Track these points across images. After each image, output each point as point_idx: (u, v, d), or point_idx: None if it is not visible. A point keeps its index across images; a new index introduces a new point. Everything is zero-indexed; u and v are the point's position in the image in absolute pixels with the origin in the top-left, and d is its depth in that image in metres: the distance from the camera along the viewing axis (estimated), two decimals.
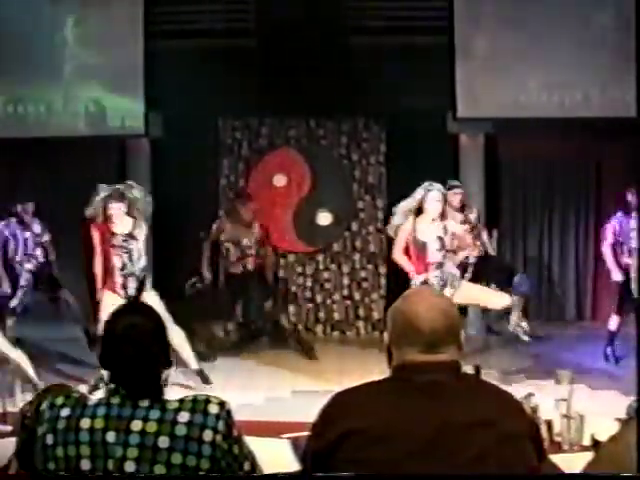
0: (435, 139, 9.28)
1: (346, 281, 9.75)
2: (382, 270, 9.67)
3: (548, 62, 8.81)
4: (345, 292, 9.74)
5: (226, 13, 9.30)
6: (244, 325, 8.90)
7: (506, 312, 7.19)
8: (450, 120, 9.28)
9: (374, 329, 9.57)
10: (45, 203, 9.86)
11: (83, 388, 5.97)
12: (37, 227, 8.43)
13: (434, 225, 6.71)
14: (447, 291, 6.54)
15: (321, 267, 9.73)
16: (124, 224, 6.97)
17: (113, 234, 6.92)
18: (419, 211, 6.71)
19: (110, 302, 6.58)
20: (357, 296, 9.74)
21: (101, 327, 2.57)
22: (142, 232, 7.01)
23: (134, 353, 2.37)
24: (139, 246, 6.98)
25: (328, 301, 9.73)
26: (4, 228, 8.31)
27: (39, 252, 8.37)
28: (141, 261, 6.99)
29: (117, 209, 6.90)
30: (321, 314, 9.71)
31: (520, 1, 8.96)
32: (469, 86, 9.03)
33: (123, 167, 9.88)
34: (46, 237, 8.46)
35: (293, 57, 8.82)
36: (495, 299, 6.66)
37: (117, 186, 7.07)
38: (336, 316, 9.73)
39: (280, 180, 9.65)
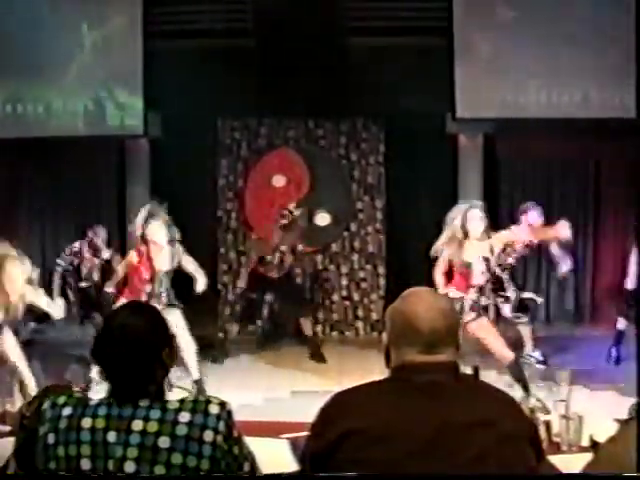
0: (434, 139, 9.30)
1: (345, 281, 9.75)
2: (381, 270, 9.67)
3: (547, 63, 8.81)
4: (344, 292, 9.75)
5: (225, 13, 9.29)
6: (268, 325, 9.00)
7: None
8: (449, 120, 9.29)
9: (373, 329, 9.58)
10: (44, 203, 9.90)
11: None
12: (106, 254, 8.47)
13: (479, 245, 6.51)
14: (470, 316, 6.49)
15: (320, 267, 9.73)
16: (163, 257, 6.93)
17: (153, 269, 6.89)
18: (465, 233, 6.50)
19: None
20: (356, 296, 9.74)
21: None
22: (172, 262, 6.98)
23: (124, 352, 2.36)
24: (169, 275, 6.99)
25: (327, 301, 9.74)
26: (74, 256, 8.37)
27: (97, 275, 8.42)
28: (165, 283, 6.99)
29: (158, 230, 6.88)
30: (320, 314, 9.71)
31: (519, 2, 8.96)
32: (468, 86, 9.03)
33: (122, 167, 9.90)
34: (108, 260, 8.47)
35: (292, 57, 8.81)
36: (502, 353, 6.56)
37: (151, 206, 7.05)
38: (335, 316, 9.74)
39: (279, 180, 9.65)
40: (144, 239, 6.92)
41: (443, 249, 6.63)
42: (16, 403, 5.96)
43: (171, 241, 6.94)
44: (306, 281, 9.51)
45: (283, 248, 8.41)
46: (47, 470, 2.32)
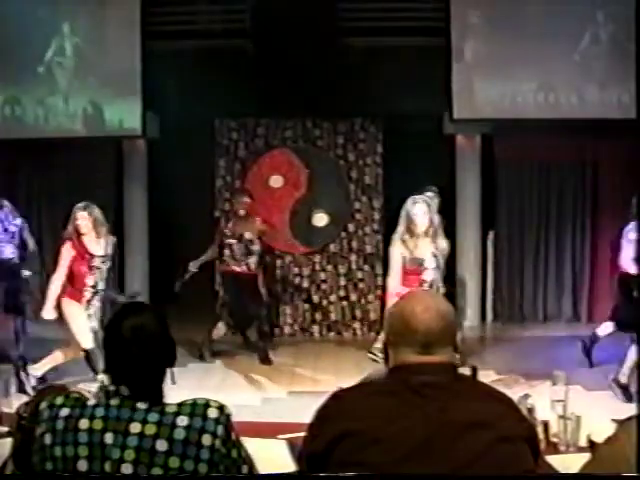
0: (432, 140, 9.30)
1: (342, 282, 9.74)
2: (378, 271, 9.66)
3: (545, 63, 8.82)
4: (342, 293, 9.74)
5: (223, 14, 9.30)
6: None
7: None
8: (447, 121, 9.30)
9: (370, 330, 9.56)
10: (43, 204, 9.89)
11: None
12: (12, 226, 7.88)
13: (426, 241, 6.32)
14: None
15: (317, 268, 9.73)
16: (99, 243, 6.86)
17: (91, 255, 6.80)
18: (411, 229, 6.31)
19: (76, 312, 6.66)
20: (353, 297, 9.73)
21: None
22: (111, 249, 6.98)
23: (142, 354, 2.36)
24: (109, 265, 6.95)
25: (324, 302, 9.73)
26: None
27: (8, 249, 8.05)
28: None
29: (82, 218, 6.75)
30: (317, 315, 9.70)
31: (517, 2, 8.97)
32: (466, 87, 9.04)
33: (120, 168, 9.90)
34: (24, 235, 8.10)
35: (290, 58, 8.81)
36: None
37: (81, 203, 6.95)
38: (332, 317, 9.73)
39: (276, 181, 9.64)
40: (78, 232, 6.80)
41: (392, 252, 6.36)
42: (12, 404, 5.96)
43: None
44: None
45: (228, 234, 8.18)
46: (44, 470, 2.31)
